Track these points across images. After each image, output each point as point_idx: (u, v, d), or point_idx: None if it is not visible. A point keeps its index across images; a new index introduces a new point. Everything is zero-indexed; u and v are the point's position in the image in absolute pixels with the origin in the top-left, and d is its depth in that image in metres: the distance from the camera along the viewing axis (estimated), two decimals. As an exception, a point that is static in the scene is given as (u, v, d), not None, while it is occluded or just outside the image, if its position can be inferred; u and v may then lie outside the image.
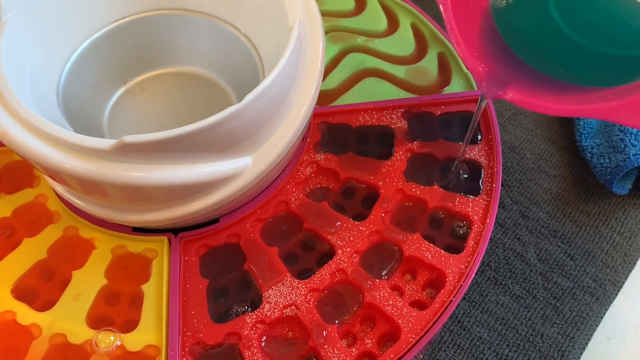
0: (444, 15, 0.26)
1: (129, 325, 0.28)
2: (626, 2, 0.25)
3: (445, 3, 0.26)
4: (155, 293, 0.28)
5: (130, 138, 0.24)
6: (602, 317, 0.37)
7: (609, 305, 0.37)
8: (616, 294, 0.37)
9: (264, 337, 0.27)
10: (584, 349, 0.35)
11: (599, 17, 0.25)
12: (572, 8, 0.26)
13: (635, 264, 0.38)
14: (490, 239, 0.39)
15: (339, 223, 0.30)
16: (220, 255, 0.30)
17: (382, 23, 0.40)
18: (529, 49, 0.26)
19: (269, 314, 0.28)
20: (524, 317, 0.36)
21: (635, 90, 0.22)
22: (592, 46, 0.25)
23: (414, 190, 0.31)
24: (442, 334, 0.35)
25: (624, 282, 0.38)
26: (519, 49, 0.26)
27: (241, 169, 0.27)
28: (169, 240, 0.30)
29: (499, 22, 0.27)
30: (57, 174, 0.26)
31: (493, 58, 0.26)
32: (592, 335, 0.36)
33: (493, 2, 0.27)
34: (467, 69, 0.27)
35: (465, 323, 0.36)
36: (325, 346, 0.27)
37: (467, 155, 0.32)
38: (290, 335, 0.28)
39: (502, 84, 0.25)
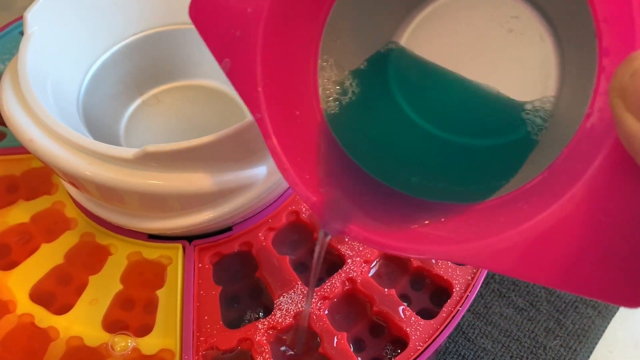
0: (264, 134, 0.21)
1: (144, 329, 0.28)
2: (470, 85, 0.22)
3: (262, 120, 0.21)
4: (169, 299, 0.29)
5: (152, 147, 0.25)
6: (604, 331, 0.37)
7: (610, 319, 0.38)
8: (618, 308, 0.38)
9: (276, 344, 0.28)
10: (586, 361, 0.36)
11: (449, 101, 0.23)
12: (417, 92, 0.23)
13: (636, 278, 0.39)
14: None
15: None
16: (233, 263, 0.31)
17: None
18: (371, 151, 0.23)
19: (280, 320, 0.28)
20: (527, 329, 0.37)
21: (498, 223, 0.18)
22: (447, 135, 0.22)
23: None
24: (447, 345, 0.36)
25: (625, 297, 0.39)
26: (361, 155, 0.23)
27: (256, 178, 0.28)
28: (184, 248, 0.30)
29: (337, 132, 0.23)
30: (79, 181, 0.26)
31: (330, 182, 0.21)
32: (594, 348, 0.37)
33: (327, 109, 0.23)
34: (301, 199, 0.21)
35: (469, 334, 0.36)
36: (336, 353, 0.27)
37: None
38: (301, 343, 0.29)
39: (343, 213, 0.20)
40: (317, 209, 0.20)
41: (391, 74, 0.24)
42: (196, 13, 0.23)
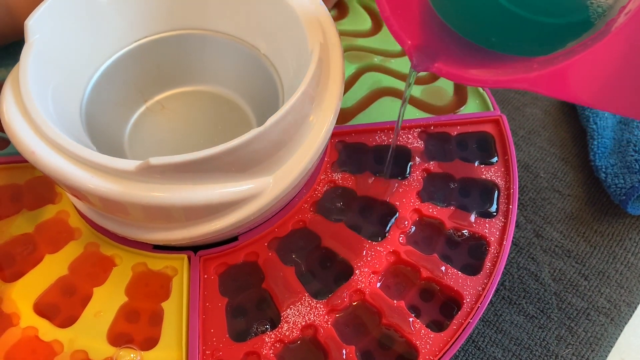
0: None
1: (149, 342, 0.28)
2: None
3: None
4: (175, 311, 0.29)
5: (155, 160, 0.24)
6: (616, 338, 0.37)
7: (623, 326, 0.37)
8: (630, 315, 0.37)
9: (282, 357, 0.28)
10: (598, 370, 0.35)
11: None
12: None
13: (649, 284, 0.38)
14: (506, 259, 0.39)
15: (356, 243, 0.31)
16: (239, 274, 0.30)
17: (398, 43, 0.40)
18: (460, 17, 0.27)
19: (287, 333, 0.28)
20: (538, 337, 0.36)
21: (556, 61, 0.22)
22: (523, 12, 0.26)
23: (430, 210, 0.32)
24: (457, 354, 0.35)
25: (638, 303, 0.38)
26: (450, 18, 0.27)
27: (262, 188, 0.28)
28: (189, 258, 0.30)
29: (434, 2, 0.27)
30: (82, 193, 0.26)
31: (423, 30, 0.26)
32: (606, 356, 0.36)
33: None
34: (397, 42, 0.26)
35: (479, 343, 0.36)
36: (344, 366, 0.27)
37: (484, 176, 0.33)
38: (309, 356, 0.28)
39: (432, 56, 0.25)
40: (411, 50, 0.25)
41: None
42: None
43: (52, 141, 0.26)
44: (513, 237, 0.40)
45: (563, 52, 0.23)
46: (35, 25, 0.29)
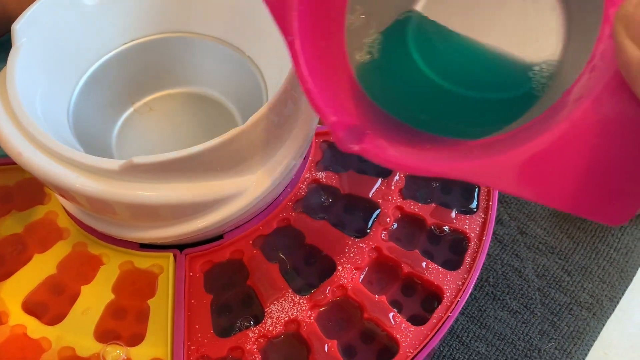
0: (292, 56, 0.23)
1: (136, 339, 0.28)
2: (481, 46, 0.25)
3: (292, 43, 0.23)
4: (161, 308, 0.29)
5: (138, 159, 0.25)
6: (599, 332, 0.37)
7: (606, 320, 0.38)
8: (613, 309, 0.38)
9: (267, 352, 0.28)
10: (581, 363, 0.36)
11: (462, 60, 0.25)
12: (433, 52, 0.25)
13: (631, 279, 0.39)
14: (489, 254, 0.40)
15: (339, 240, 0.31)
16: (224, 271, 0.31)
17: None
18: (386, 93, 0.25)
19: (271, 328, 0.28)
20: (521, 332, 0.37)
21: (499, 148, 0.20)
22: (455, 88, 0.24)
23: (412, 207, 0.32)
24: (441, 349, 0.36)
25: (620, 298, 0.39)
26: (376, 95, 0.25)
27: (245, 187, 0.28)
28: (175, 257, 0.31)
29: (358, 74, 0.25)
30: (69, 193, 0.27)
31: (349, 105, 0.24)
32: (589, 350, 0.37)
33: (350, 54, 0.25)
34: (320, 116, 0.24)
35: (463, 338, 0.36)
36: (326, 360, 0.27)
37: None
38: (292, 350, 0.29)
39: (358, 136, 0.22)
40: (335, 128, 0.22)
41: (409, 36, 0.26)
42: None
43: (38, 142, 0.26)
44: (497, 234, 0.41)
45: (505, 135, 0.21)
46: (22, 29, 0.29)
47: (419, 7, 0.26)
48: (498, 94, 0.24)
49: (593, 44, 0.19)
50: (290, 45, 0.23)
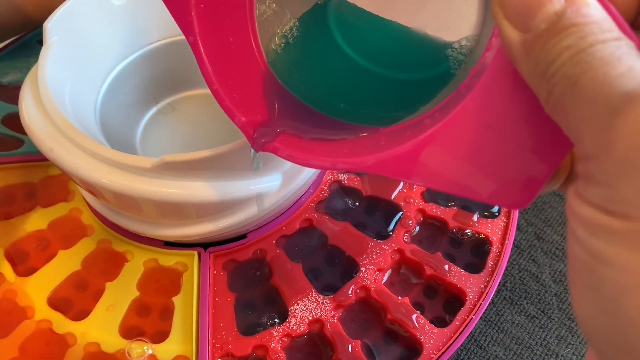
0: (196, 57, 0.22)
1: (160, 336, 0.29)
2: (402, 28, 0.24)
3: (195, 43, 0.22)
4: (185, 305, 0.29)
5: (171, 157, 0.25)
6: (616, 339, 0.37)
7: (622, 327, 0.38)
8: (630, 316, 0.38)
9: (290, 351, 0.28)
10: (598, 369, 0.36)
11: (383, 42, 0.24)
12: (354, 34, 0.25)
13: (648, 286, 0.39)
14: (508, 260, 0.40)
15: (361, 241, 0.31)
16: (248, 270, 0.31)
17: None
18: (304, 79, 0.24)
19: (295, 327, 0.29)
20: (539, 337, 0.37)
21: (404, 137, 0.19)
22: (374, 68, 0.24)
23: (434, 210, 0.32)
24: (459, 353, 0.36)
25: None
26: (292, 82, 0.24)
27: (271, 186, 0.29)
28: (199, 255, 0.31)
29: (270, 60, 0.24)
30: (97, 189, 0.27)
31: (260, 102, 0.23)
32: (606, 356, 0.37)
33: (262, 39, 0.25)
34: (228, 117, 0.23)
35: (481, 342, 0.37)
36: (349, 360, 0.28)
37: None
38: (316, 349, 0.29)
39: (271, 134, 0.22)
40: (244, 128, 0.22)
41: (331, 19, 0.25)
42: None
43: (69, 138, 0.27)
44: (514, 239, 0.41)
45: (412, 121, 0.21)
46: (53, 28, 0.30)
47: None
48: (417, 73, 0.24)
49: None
50: (193, 46, 0.22)
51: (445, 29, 0.23)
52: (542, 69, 0.14)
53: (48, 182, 0.34)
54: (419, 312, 0.29)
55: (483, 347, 0.37)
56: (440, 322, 0.29)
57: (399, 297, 0.29)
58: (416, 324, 0.28)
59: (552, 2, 0.14)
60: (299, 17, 0.25)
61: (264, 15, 0.25)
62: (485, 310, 0.38)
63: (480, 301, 0.29)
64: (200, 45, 0.22)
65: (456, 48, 0.23)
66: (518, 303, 0.38)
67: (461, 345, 0.36)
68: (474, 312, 0.29)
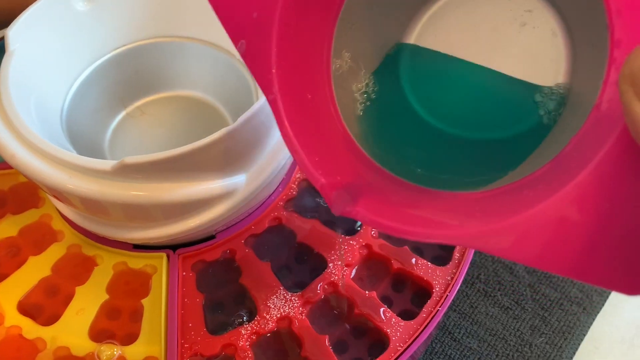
0: (276, 116, 0.21)
1: (130, 338, 0.29)
2: (482, 70, 0.23)
3: (274, 101, 0.21)
4: (154, 307, 0.29)
5: (130, 159, 0.25)
6: (589, 327, 0.38)
7: (595, 315, 0.38)
8: (603, 304, 0.39)
9: (259, 348, 0.29)
10: (571, 358, 0.36)
11: (461, 93, 0.23)
12: (428, 88, 0.24)
13: (621, 274, 0.40)
14: (479, 252, 0.40)
15: (330, 238, 0.32)
16: (217, 270, 0.31)
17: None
18: (384, 148, 0.23)
19: (263, 325, 0.29)
20: (512, 327, 0.37)
21: (502, 208, 0.18)
22: (455, 132, 0.22)
23: (402, 205, 0.33)
24: (434, 345, 0.36)
25: (610, 292, 0.39)
26: (373, 151, 0.23)
27: (236, 186, 0.29)
28: (168, 256, 0.31)
29: (348, 122, 0.23)
30: (62, 194, 0.27)
31: (340, 164, 0.22)
32: (579, 344, 0.37)
33: (339, 99, 0.24)
34: (309, 179, 0.21)
35: (455, 334, 0.37)
36: (318, 356, 0.28)
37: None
38: (284, 347, 0.29)
39: (352, 198, 0.20)
40: (325, 191, 0.20)
41: (403, 73, 0.25)
42: None
43: (31, 144, 0.27)
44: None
45: (508, 187, 0.19)
46: (15, 35, 0.30)
47: (411, 40, 0.24)
48: (502, 132, 0.22)
49: (600, 78, 0.17)
50: (273, 104, 0.21)
51: (529, 76, 0.22)
52: None
53: (18, 190, 0.34)
54: (386, 305, 0.29)
55: (457, 340, 0.37)
56: (408, 315, 0.29)
57: (367, 292, 0.30)
58: (383, 317, 0.29)
59: None
60: (373, 72, 0.25)
61: (339, 70, 0.24)
62: (459, 302, 0.38)
63: (447, 292, 0.29)
64: (280, 103, 0.21)
65: (546, 93, 0.21)
66: (492, 295, 0.39)
67: (435, 338, 0.37)
68: (440, 303, 0.29)
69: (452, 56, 0.24)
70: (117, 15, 0.35)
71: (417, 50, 0.24)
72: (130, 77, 0.36)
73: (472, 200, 0.20)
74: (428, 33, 0.25)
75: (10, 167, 0.34)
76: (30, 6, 0.31)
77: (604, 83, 0.17)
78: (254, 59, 0.22)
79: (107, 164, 0.26)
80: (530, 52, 0.22)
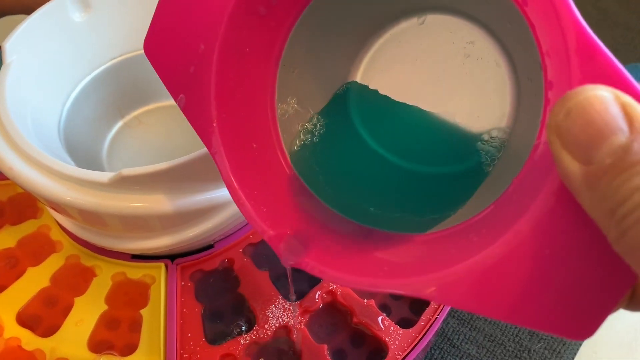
0: (221, 171, 0.21)
1: (129, 348, 0.29)
2: (427, 115, 0.23)
3: (218, 154, 0.21)
4: (153, 317, 0.29)
5: (127, 171, 0.25)
6: (588, 332, 0.38)
7: (594, 320, 0.38)
8: (601, 309, 0.39)
9: (258, 358, 0.29)
10: (570, 363, 0.36)
11: (409, 131, 0.23)
12: (378, 124, 0.24)
13: (618, 279, 0.40)
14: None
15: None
16: (215, 280, 0.31)
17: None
18: (335, 186, 0.23)
19: (262, 335, 0.29)
20: (511, 333, 0.37)
21: (449, 255, 0.18)
22: (404, 164, 0.23)
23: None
24: (433, 352, 0.36)
25: (608, 297, 0.39)
26: (324, 192, 0.22)
27: (233, 196, 0.29)
28: (166, 266, 0.31)
29: (296, 165, 0.23)
30: (59, 206, 0.27)
31: (288, 213, 0.21)
32: (578, 349, 0.37)
33: (286, 143, 0.24)
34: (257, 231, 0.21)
35: (454, 340, 0.37)
36: (317, 365, 0.28)
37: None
38: (283, 356, 0.29)
39: (302, 248, 0.20)
40: (273, 243, 0.20)
41: (352, 108, 0.24)
42: (151, 49, 0.23)
43: (28, 156, 0.27)
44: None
45: (453, 228, 0.19)
46: (12, 47, 0.30)
47: (357, 78, 0.24)
48: (447, 167, 0.22)
49: (539, 118, 0.17)
50: (215, 157, 0.21)
51: (475, 118, 0.22)
52: (610, 207, 0.13)
53: (16, 200, 0.35)
54: (384, 314, 0.29)
55: (456, 346, 0.37)
56: (407, 322, 0.29)
57: (365, 300, 0.30)
58: (382, 325, 0.29)
59: (617, 134, 0.13)
60: (319, 112, 0.24)
61: (285, 115, 0.24)
62: (458, 309, 0.38)
63: (445, 301, 0.29)
64: (224, 156, 0.21)
65: (486, 140, 0.21)
66: (490, 300, 0.39)
67: (434, 344, 0.37)
68: (438, 311, 0.29)
69: (397, 101, 0.24)
70: (113, 25, 0.35)
71: (364, 89, 0.24)
72: (127, 86, 0.36)
73: (419, 243, 0.20)
74: (374, 70, 0.25)
75: (7, 178, 0.34)
76: (26, 18, 0.31)
77: (541, 124, 0.17)
78: (194, 113, 0.22)
79: (104, 176, 0.26)
80: (475, 85, 0.22)
